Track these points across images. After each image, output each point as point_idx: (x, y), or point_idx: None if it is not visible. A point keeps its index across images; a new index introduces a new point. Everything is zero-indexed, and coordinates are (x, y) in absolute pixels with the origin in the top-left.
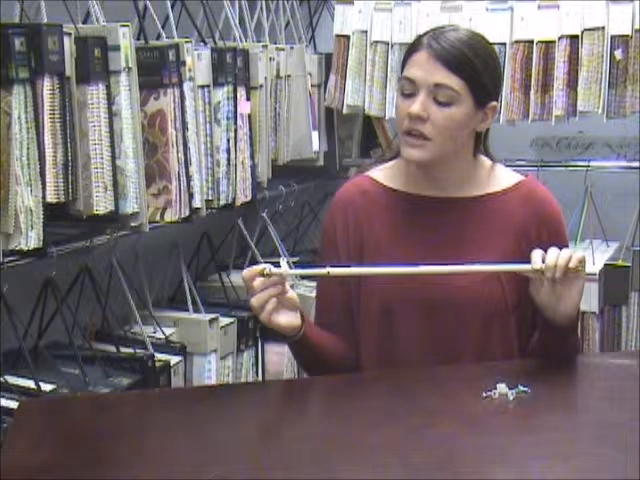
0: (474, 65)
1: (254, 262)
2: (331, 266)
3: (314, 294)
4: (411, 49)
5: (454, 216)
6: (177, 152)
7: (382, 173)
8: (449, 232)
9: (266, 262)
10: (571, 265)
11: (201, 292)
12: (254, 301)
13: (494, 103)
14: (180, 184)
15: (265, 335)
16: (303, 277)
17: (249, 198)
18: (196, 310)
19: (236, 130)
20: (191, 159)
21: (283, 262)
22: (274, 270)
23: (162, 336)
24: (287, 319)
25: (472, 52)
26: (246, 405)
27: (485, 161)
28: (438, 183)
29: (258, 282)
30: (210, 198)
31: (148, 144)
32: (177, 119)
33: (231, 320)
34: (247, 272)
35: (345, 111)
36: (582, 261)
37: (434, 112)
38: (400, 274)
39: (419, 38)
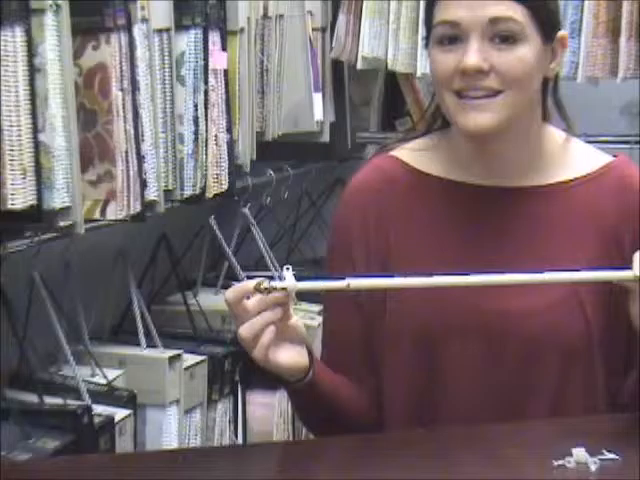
0: None
1: (232, 278)
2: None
3: (318, 322)
4: None
5: (517, 213)
6: (124, 123)
7: (413, 153)
8: (510, 235)
9: (256, 277)
10: None
11: (158, 319)
12: (245, 330)
13: (563, 32)
14: (128, 168)
15: (248, 380)
16: (303, 297)
17: (225, 187)
18: (151, 344)
19: (207, 92)
20: (144, 133)
21: (288, 273)
22: (276, 284)
23: (103, 381)
24: (290, 356)
25: None
26: (222, 478)
27: (556, 135)
28: (495, 166)
29: (253, 302)
30: (170, 187)
31: (84, 111)
32: (124, 77)
33: (200, 358)
34: (234, 290)
35: (360, 65)
36: None
37: (497, 59)
38: (444, 286)
39: None
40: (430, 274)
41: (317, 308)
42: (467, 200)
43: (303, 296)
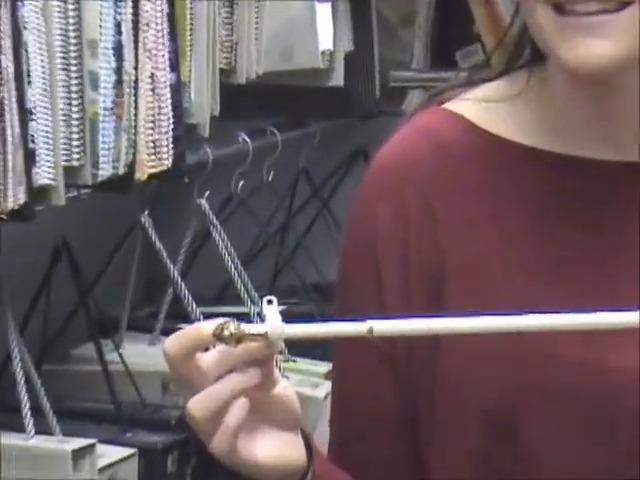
0: None
1: (178, 316)
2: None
3: (325, 391)
4: None
5: None
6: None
7: (482, 106)
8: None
9: (218, 316)
10: None
11: (54, 386)
12: (199, 406)
13: None
14: (4, 131)
15: None
16: (298, 350)
17: (168, 164)
18: (42, 429)
19: (137, 9)
20: (30, 71)
21: (271, 308)
22: (249, 328)
23: None
24: (274, 448)
25: None
26: None
27: None
28: (615, 127)
29: (212, 359)
30: (75, 164)
31: None
32: None
33: (126, 452)
34: (180, 337)
35: None
36: None
37: None
38: (529, 331)
39: None
40: (502, 309)
41: (323, 368)
42: (567, 182)
43: (299, 348)
